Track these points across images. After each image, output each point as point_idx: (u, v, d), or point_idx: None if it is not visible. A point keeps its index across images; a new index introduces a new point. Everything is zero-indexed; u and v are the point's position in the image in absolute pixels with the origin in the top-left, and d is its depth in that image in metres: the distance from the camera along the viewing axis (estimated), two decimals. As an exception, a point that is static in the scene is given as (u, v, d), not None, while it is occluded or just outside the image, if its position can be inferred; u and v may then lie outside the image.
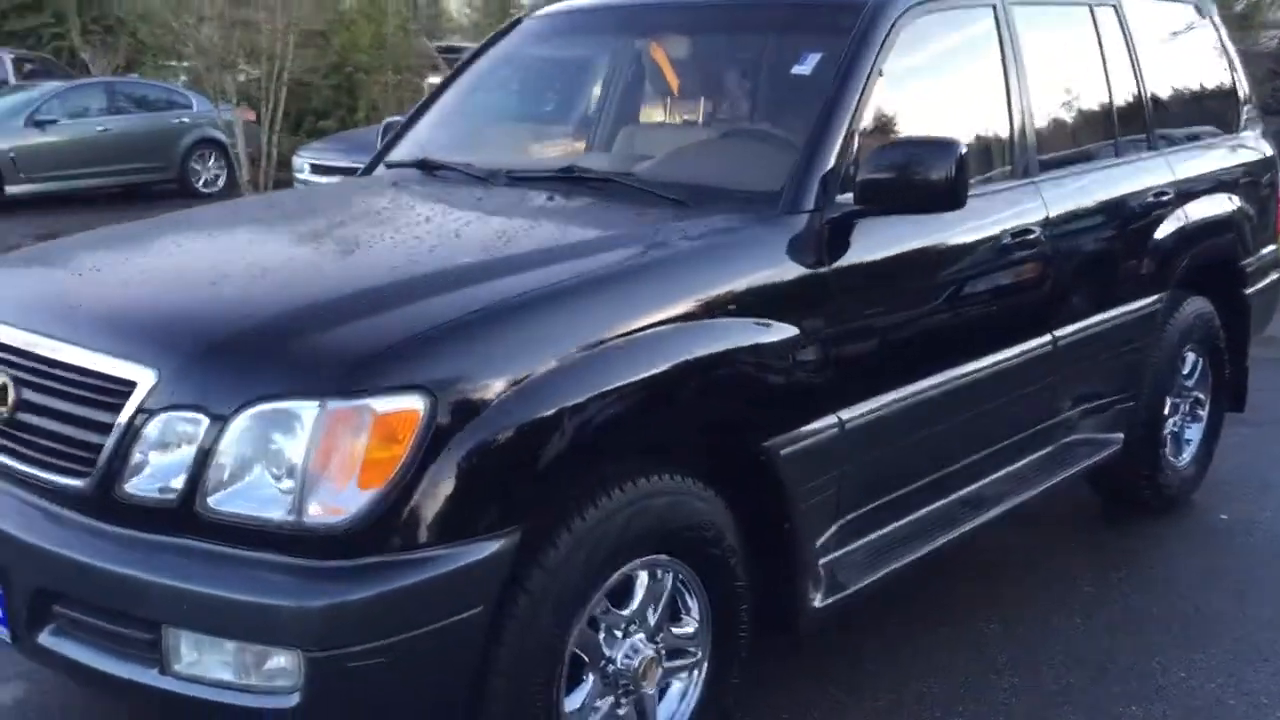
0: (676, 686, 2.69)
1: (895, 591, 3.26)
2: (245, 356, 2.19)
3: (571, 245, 2.71)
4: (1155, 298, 4.09)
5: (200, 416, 2.13)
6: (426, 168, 3.50)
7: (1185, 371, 4.50)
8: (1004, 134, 3.55)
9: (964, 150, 2.88)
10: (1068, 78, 3.91)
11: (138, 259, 2.83)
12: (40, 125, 13.71)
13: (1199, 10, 4.72)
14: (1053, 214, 3.57)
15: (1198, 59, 4.68)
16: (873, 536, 3.13)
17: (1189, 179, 4.29)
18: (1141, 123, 4.18)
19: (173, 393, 2.16)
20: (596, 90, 3.67)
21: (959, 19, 3.52)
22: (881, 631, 3.47)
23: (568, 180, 3.17)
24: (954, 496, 3.41)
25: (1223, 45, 4.78)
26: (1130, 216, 3.97)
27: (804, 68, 3.15)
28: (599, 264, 2.57)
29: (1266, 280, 4.86)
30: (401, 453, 2.08)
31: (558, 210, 3.04)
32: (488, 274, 2.45)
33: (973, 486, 3.49)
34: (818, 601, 2.90)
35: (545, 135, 3.60)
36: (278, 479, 2.08)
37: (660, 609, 2.58)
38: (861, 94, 3.04)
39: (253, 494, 2.09)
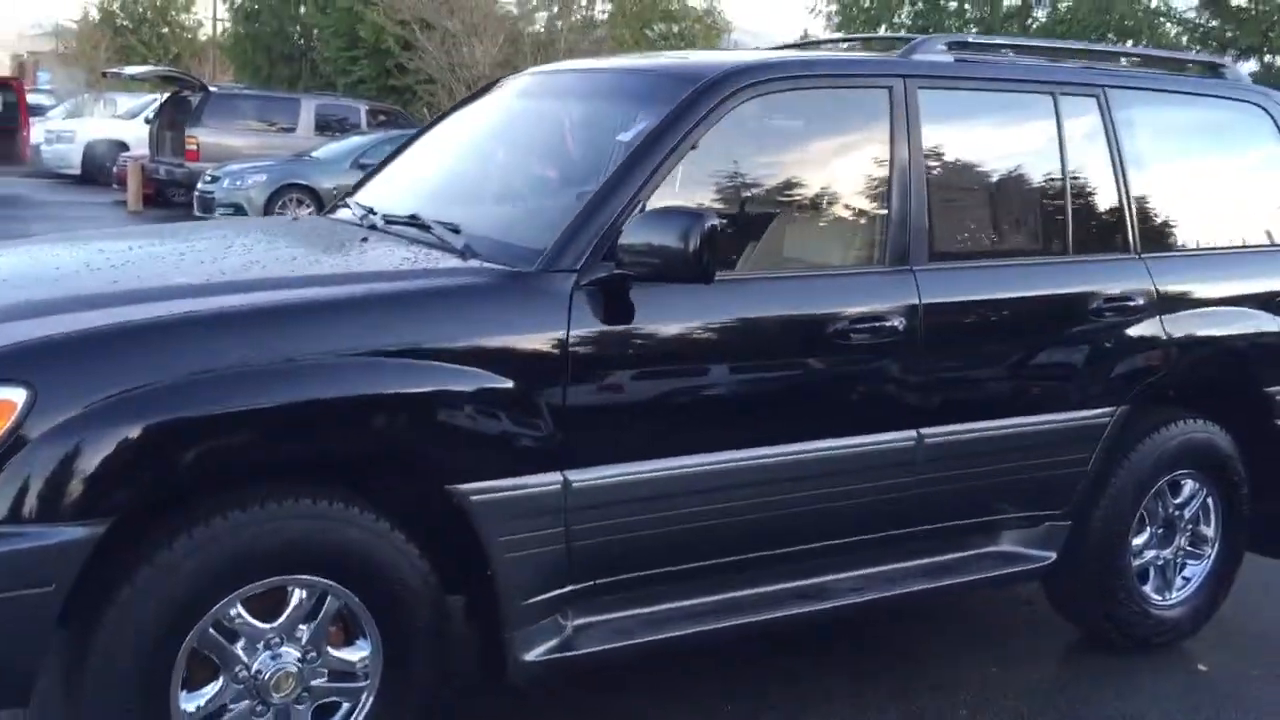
0: (345, 706, 2.73)
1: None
2: None
3: (305, 277, 2.86)
4: (1098, 411, 3.66)
5: None
6: (342, 208, 3.76)
7: (1177, 500, 3.99)
8: (873, 220, 3.37)
9: (713, 223, 2.79)
10: (998, 171, 3.63)
11: None
12: (364, 168, 15.26)
13: (1259, 107, 4.20)
14: (925, 304, 3.32)
15: (1243, 162, 4.17)
16: (644, 608, 3.05)
17: (1180, 289, 3.83)
18: (1114, 224, 3.78)
19: None
20: (491, 147, 3.78)
21: (829, 99, 3.37)
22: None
23: (408, 224, 3.30)
24: (771, 585, 3.23)
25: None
26: (1052, 320, 3.60)
27: (627, 134, 3.14)
28: (307, 294, 2.70)
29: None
30: None
31: (347, 248, 3.21)
32: (179, 294, 2.65)
33: (807, 578, 3.30)
34: (530, 655, 2.86)
35: (453, 184, 3.74)
36: None
37: (314, 629, 2.64)
38: (660, 165, 3.00)
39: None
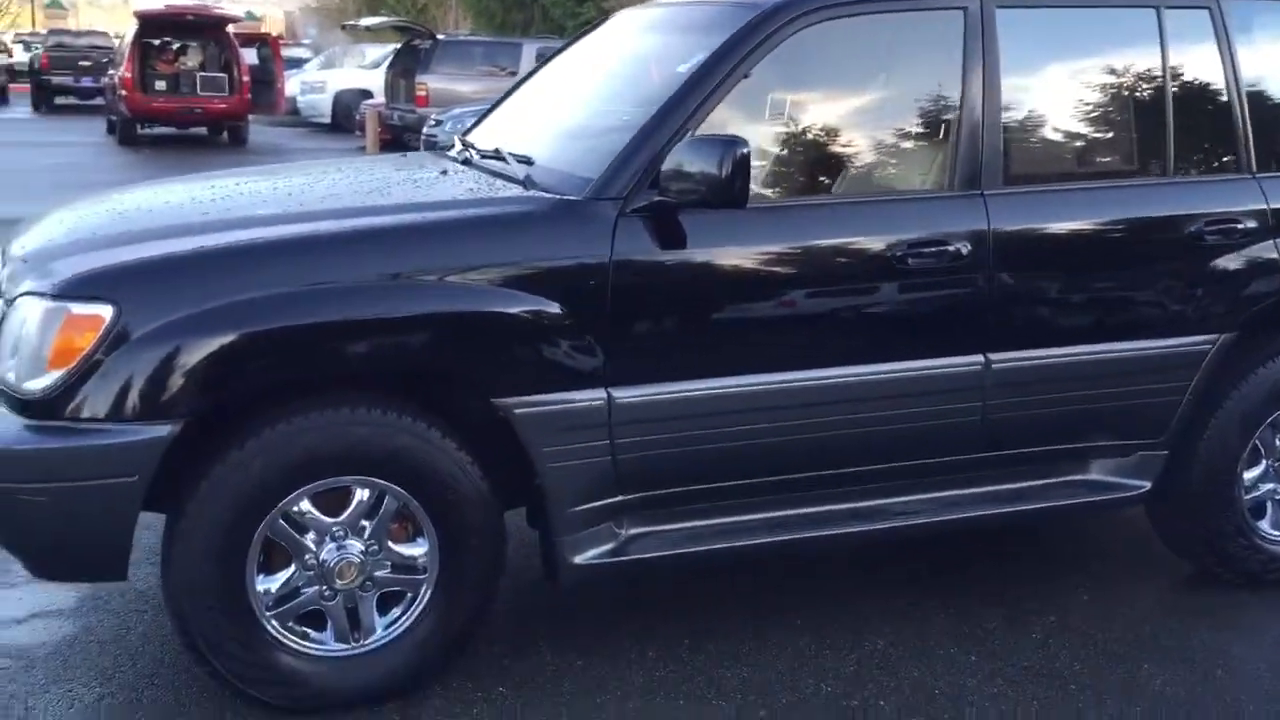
0: (407, 596, 2.98)
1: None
2: (27, 265, 2.88)
3: (371, 207, 3.12)
4: (1197, 339, 3.48)
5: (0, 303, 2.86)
6: (450, 145, 3.99)
7: (1300, 433, 3.76)
8: (941, 146, 3.31)
9: (746, 149, 2.85)
10: (1089, 92, 3.47)
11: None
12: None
13: None
14: (995, 229, 3.25)
15: None
16: (695, 521, 3.17)
17: (1301, 209, 3.58)
18: (1224, 143, 3.57)
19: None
20: (583, 82, 3.90)
21: (885, 26, 3.32)
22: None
23: (491, 157, 3.51)
24: (826, 505, 3.29)
25: None
26: (1142, 246, 3.44)
27: (687, 66, 3.20)
28: (367, 222, 2.95)
29: None
30: (86, 345, 2.64)
31: (424, 180, 3.44)
32: (256, 224, 2.94)
33: (863, 500, 3.33)
34: (579, 559, 3.04)
35: (541, 119, 3.89)
36: (15, 352, 2.73)
37: (375, 525, 2.90)
38: (709, 96, 3.07)
39: (6, 360, 2.76)
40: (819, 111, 3.36)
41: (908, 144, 3.39)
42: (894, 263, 3.17)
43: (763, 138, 3.24)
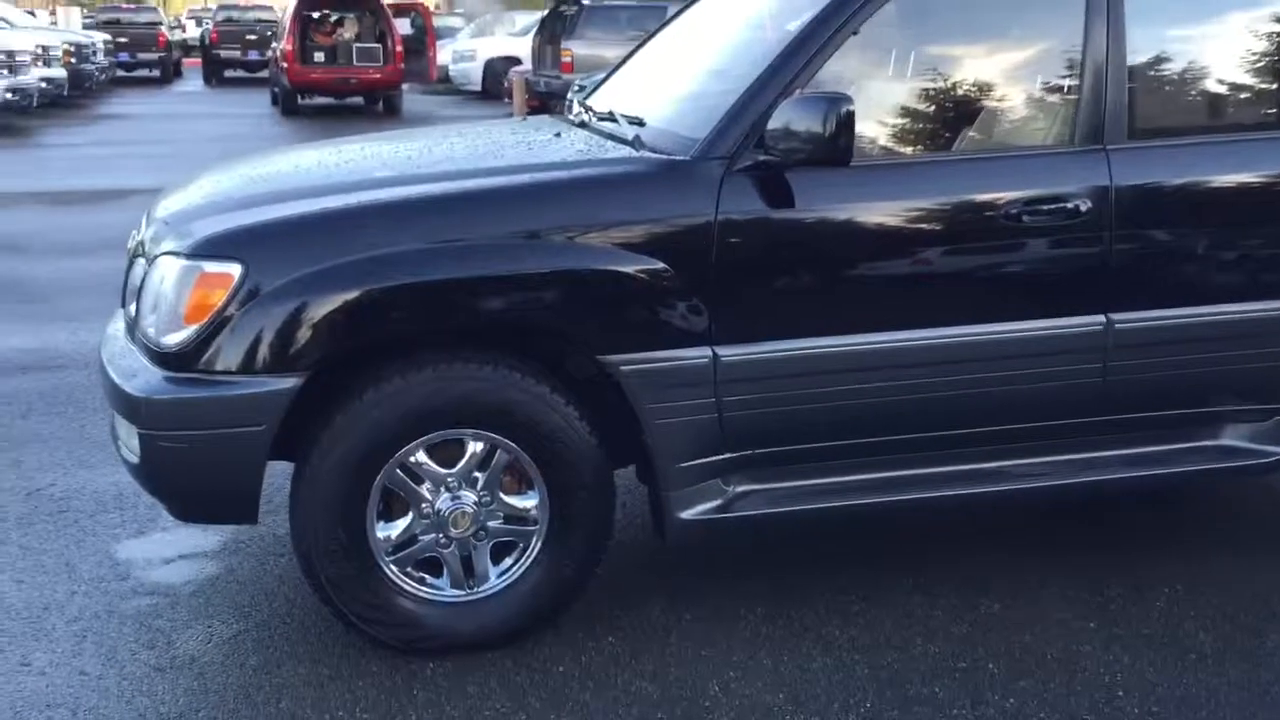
0: (520, 546, 3.07)
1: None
2: (167, 227, 3.04)
3: (485, 169, 3.17)
4: (1341, 298, 3.30)
5: (142, 261, 3.04)
6: (569, 109, 4.05)
7: None
8: (1062, 99, 3.21)
9: (850, 107, 2.83)
10: (1224, 42, 3.32)
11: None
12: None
13: None
14: (1117, 185, 3.13)
15: None
16: (804, 480, 3.17)
17: None
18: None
19: (143, 246, 3.10)
20: (701, 42, 3.87)
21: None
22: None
23: (605, 119, 3.55)
24: (939, 466, 3.24)
25: None
26: (1274, 199, 3.27)
27: (797, 23, 3.17)
28: (479, 184, 3.02)
29: None
30: (217, 302, 2.79)
31: (541, 142, 3.50)
32: (374, 185, 3.04)
33: (980, 462, 3.27)
34: (687, 514, 3.07)
35: (659, 80, 3.89)
36: (155, 308, 2.90)
37: (488, 477, 2.98)
38: (816, 54, 3.04)
39: (148, 315, 2.94)
40: (932, 67, 3.28)
41: (1026, 98, 3.29)
42: (1008, 220, 3.09)
43: (874, 95, 3.18)
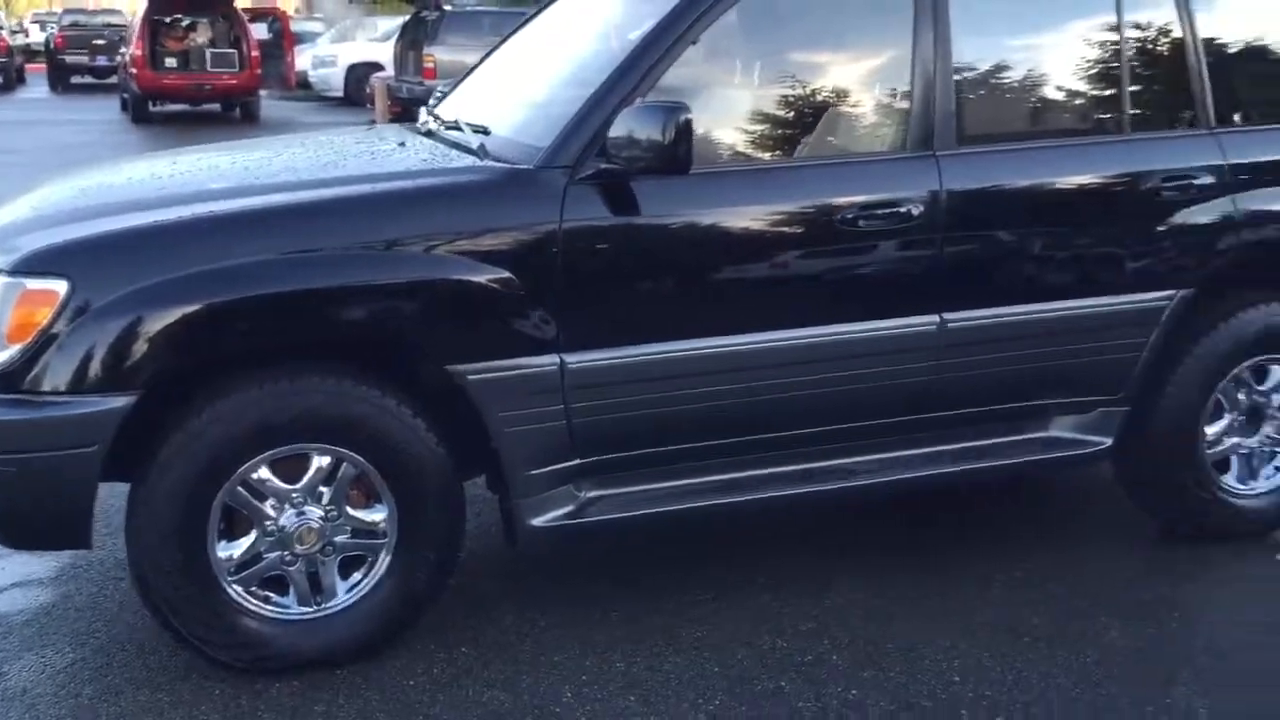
0: (368, 560, 3.02)
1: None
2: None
3: (325, 179, 3.12)
4: (1154, 295, 3.47)
5: None
6: (413, 119, 4.00)
7: (1263, 386, 3.74)
8: (894, 107, 3.31)
9: (688, 115, 2.86)
10: (1045, 49, 3.46)
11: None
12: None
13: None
14: (948, 189, 3.24)
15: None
16: (654, 484, 3.20)
17: (1258, 165, 3.55)
18: (1182, 99, 3.54)
19: None
20: (548, 50, 3.88)
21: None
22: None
23: (451, 128, 3.53)
24: (785, 466, 3.31)
25: None
26: (1098, 204, 3.43)
27: (638, 32, 3.20)
28: (318, 195, 2.96)
29: None
30: (42, 320, 2.67)
31: (385, 151, 3.47)
32: (209, 198, 2.97)
33: (822, 460, 3.35)
34: (537, 521, 3.07)
35: (504, 89, 3.88)
36: None
37: (334, 491, 2.93)
38: (658, 61, 3.07)
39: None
40: (773, 76, 3.36)
41: (862, 106, 3.39)
42: (845, 225, 3.17)
43: (716, 103, 3.24)
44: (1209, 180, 3.48)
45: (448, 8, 19.22)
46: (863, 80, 3.37)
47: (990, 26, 3.44)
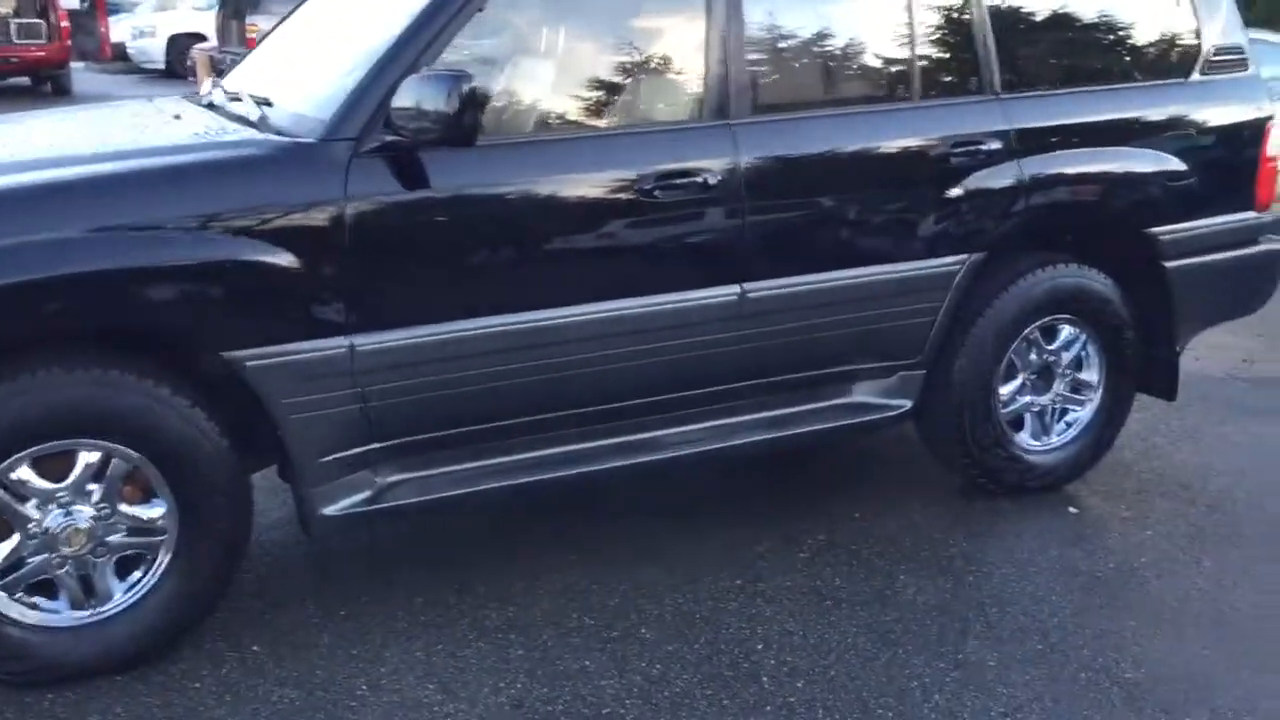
0: (147, 559, 2.83)
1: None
2: None
3: (93, 154, 2.87)
4: (946, 260, 3.52)
5: None
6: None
7: (1052, 346, 3.84)
8: (689, 76, 3.25)
9: (472, 84, 2.75)
10: (836, 18, 3.44)
11: None
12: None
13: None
14: (744, 159, 3.21)
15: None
16: (457, 465, 3.09)
17: (1040, 130, 3.62)
18: (969, 66, 3.58)
19: None
20: (339, 19, 3.70)
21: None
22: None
23: (233, 99, 3.33)
24: (592, 441, 3.24)
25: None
26: (890, 170, 3.45)
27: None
28: (82, 171, 2.73)
29: (1216, 255, 3.97)
30: None
31: (157, 125, 3.28)
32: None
33: (630, 434, 3.30)
34: (330, 510, 2.94)
35: (293, 60, 3.68)
36: None
37: (104, 488, 2.73)
38: (443, 28, 2.94)
39: None
40: (565, 45, 3.26)
41: (655, 76, 3.31)
42: (642, 196, 3.10)
43: (508, 72, 3.13)
44: (996, 145, 3.54)
45: (271, -25, 18.47)
46: (658, 50, 3.29)
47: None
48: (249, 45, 16.71)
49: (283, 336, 2.79)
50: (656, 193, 3.11)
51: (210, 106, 3.44)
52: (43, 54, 17.46)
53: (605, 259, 3.14)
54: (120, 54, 21.99)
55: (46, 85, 18.33)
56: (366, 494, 2.99)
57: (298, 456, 2.88)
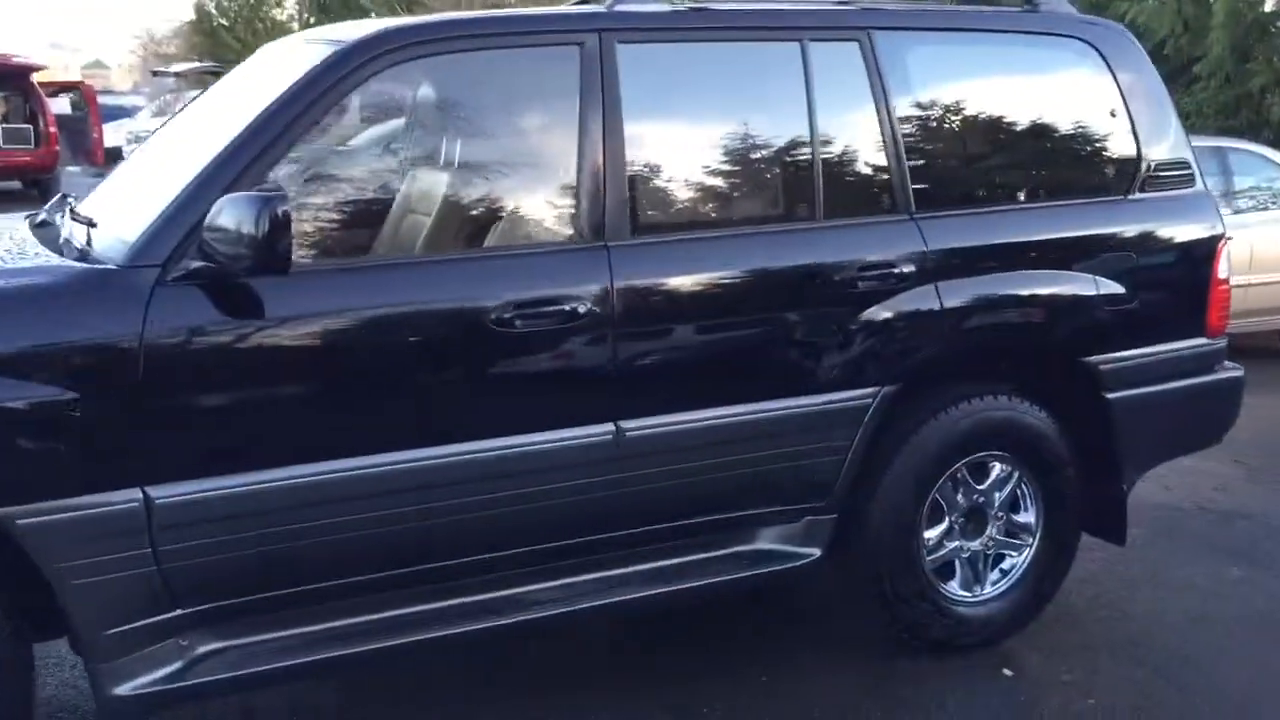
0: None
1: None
2: None
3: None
4: (855, 393, 3.13)
5: None
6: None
7: (982, 485, 3.44)
8: (561, 195, 2.92)
9: (285, 206, 2.40)
10: (726, 134, 3.10)
11: None
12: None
13: (1082, 42, 3.58)
14: (619, 284, 2.85)
15: (1055, 105, 3.54)
16: (280, 631, 2.67)
17: (961, 252, 3.26)
18: (880, 185, 3.24)
19: None
20: (195, 129, 3.37)
21: (491, 64, 2.90)
22: None
23: (75, 219, 2.98)
24: (448, 600, 2.83)
25: (1122, 96, 3.58)
26: (788, 295, 3.08)
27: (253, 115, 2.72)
28: None
29: (1164, 385, 3.58)
30: None
31: None
32: None
33: (486, 592, 2.88)
34: (124, 689, 2.51)
35: (140, 176, 3.33)
36: None
37: None
38: (271, 145, 2.61)
39: None
40: (416, 161, 2.93)
41: (519, 196, 2.98)
42: (498, 326, 2.73)
43: (338, 195, 2.79)
44: (909, 268, 3.18)
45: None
46: (523, 168, 2.98)
47: (669, 107, 3.09)
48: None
49: (62, 490, 2.40)
50: (517, 323, 2.75)
51: (42, 225, 3.11)
52: (29, 159, 17.43)
53: (453, 398, 2.76)
54: (115, 158, 22.02)
55: (35, 190, 18.26)
56: (173, 667, 2.57)
57: (81, 628, 2.47)
